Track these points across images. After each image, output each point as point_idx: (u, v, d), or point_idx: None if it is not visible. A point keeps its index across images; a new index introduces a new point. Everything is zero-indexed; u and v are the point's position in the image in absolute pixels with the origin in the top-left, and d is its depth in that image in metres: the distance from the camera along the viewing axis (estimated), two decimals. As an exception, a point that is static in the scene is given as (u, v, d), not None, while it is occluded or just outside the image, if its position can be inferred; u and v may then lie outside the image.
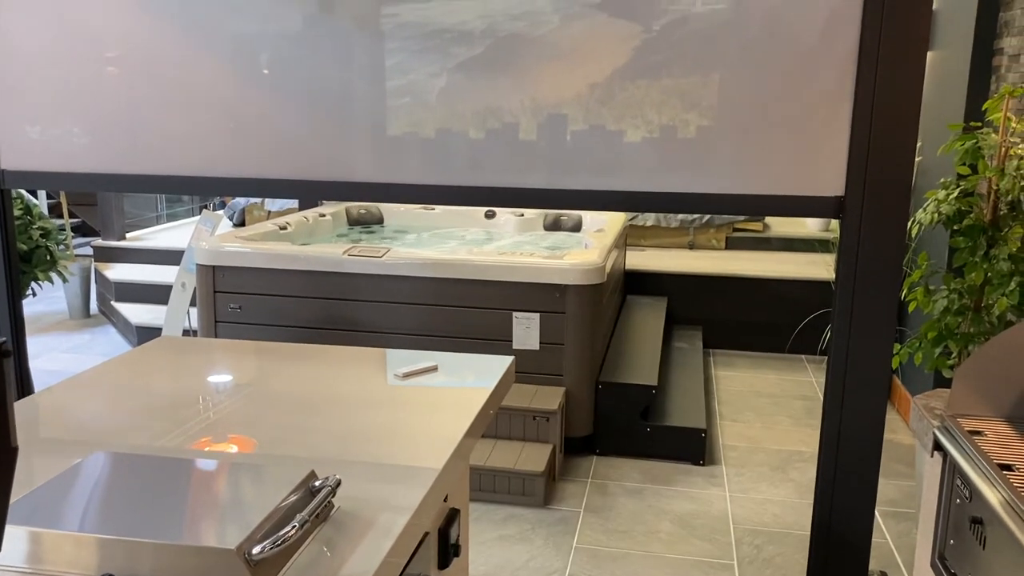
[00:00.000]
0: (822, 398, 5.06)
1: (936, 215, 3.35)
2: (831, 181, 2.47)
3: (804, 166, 2.50)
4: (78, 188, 2.97)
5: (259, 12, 2.75)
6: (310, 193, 2.85)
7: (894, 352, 2.56)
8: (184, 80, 2.78)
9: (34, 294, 4.20)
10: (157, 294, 6.16)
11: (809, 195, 2.50)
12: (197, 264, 4.47)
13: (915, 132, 2.36)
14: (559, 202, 2.81)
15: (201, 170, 2.82)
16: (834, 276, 2.54)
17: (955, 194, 3.33)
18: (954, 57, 4.33)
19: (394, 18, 2.75)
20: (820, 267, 6.28)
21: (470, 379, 2.21)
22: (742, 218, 7.06)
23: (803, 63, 2.46)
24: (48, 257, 3.85)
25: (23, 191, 4.36)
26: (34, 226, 3.85)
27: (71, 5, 2.79)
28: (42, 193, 8.17)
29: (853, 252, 2.45)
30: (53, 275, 3.98)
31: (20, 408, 1.88)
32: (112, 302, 6.32)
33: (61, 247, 4.08)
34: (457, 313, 4.24)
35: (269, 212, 7.69)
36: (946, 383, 4.14)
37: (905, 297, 3.55)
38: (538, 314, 4.14)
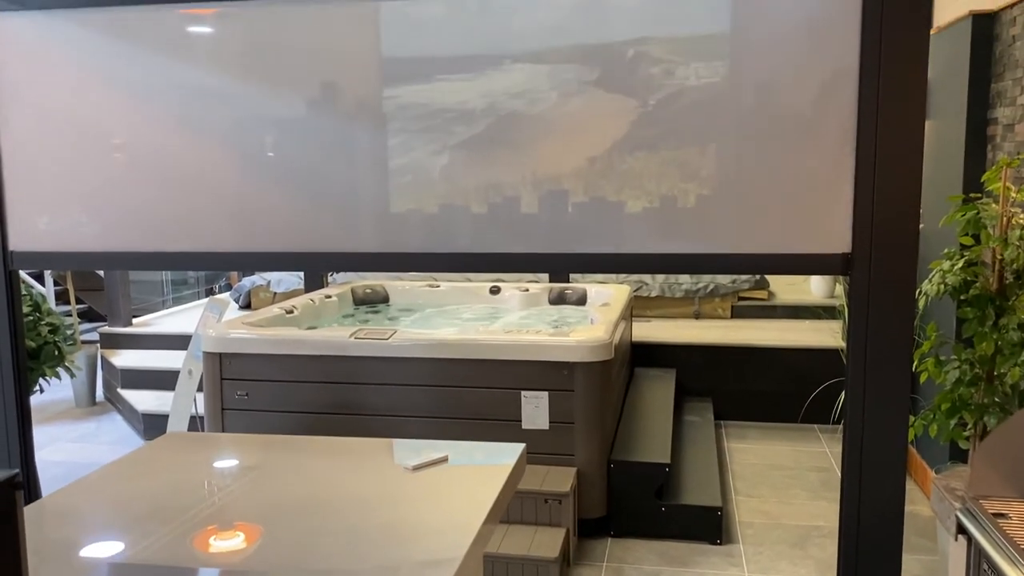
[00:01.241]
0: (837, 470, 4.98)
1: (942, 286, 3.35)
2: (837, 238, 2.48)
3: (809, 224, 2.51)
4: (85, 267, 2.99)
5: (262, 97, 2.82)
6: (314, 266, 2.88)
7: (909, 424, 2.52)
8: (188, 163, 2.84)
9: (41, 390, 4.19)
10: (163, 380, 6.14)
11: (816, 253, 2.51)
12: (204, 352, 4.47)
13: (918, 184, 2.38)
14: (563, 266, 2.83)
15: (207, 246, 2.86)
16: (842, 344, 2.53)
17: (960, 264, 3.33)
18: (948, 127, 4.39)
19: (395, 99, 2.81)
20: (827, 335, 6.25)
21: (482, 470, 2.18)
22: (747, 286, 7.07)
23: (802, 125, 2.50)
24: (56, 353, 3.85)
25: (33, 285, 4.39)
26: (42, 322, 3.87)
27: (77, 98, 2.87)
28: (49, 280, 8.22)
29: (864, 309, 2.44)
30: (60, 370, 3.98)
31: (28, 514, 1.86)
32: (118, 389, 6.30)
33: (69, 343, 4.09)
34: (465, 394, 4.22)
35: (275, 294, 7.72)
36: (962, 454, 4.08)
37: (916, 368, 3.53)
38: (547, 393, 4.11)
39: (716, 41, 2.59)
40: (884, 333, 2.44)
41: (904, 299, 2.42)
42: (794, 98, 2.51)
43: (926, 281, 3.51)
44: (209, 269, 3.07)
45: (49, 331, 3.86)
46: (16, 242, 2.92)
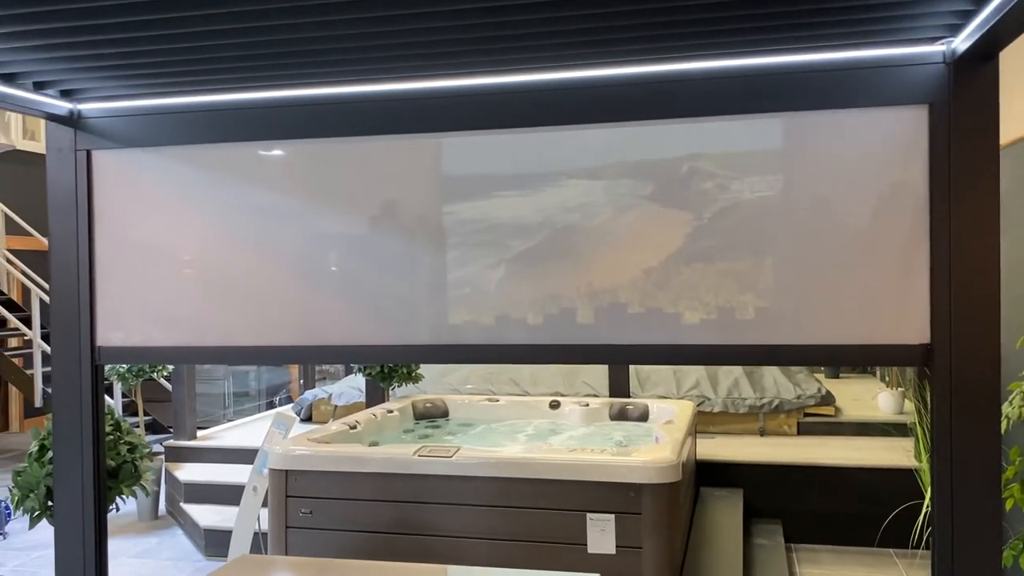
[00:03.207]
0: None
1: (1023, 408, 3.25)
2: (915, 329, 2.45)
3: (885, 315, 2.49)
4: (161, 361, 3.22)
5: (327, 215, 2.98)
6: (371, 358, 2.99)
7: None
8: (257, 274, 3.03)
9: (117, 509, 4.26)
10: (225, 495, 6.16)
11: (893, 344, 2.47)
12: (270, 468, 4.50)
13: (996, 270, 2.35)
14: (622, 357, 2.87)
15: (270, 341, 3.02)
16: (915, 463, 2.46)
17: (1042, 387, 3.24)
18: (1019, 246, 4.34)
19: (453, 215, 2.90)
20: (899, 453, 6.04)
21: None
22: (813, 402, 6.92)
23: (873, 220, 2.52)
24: (134, 471, 3.94)
25: (115, 409, 4.53)
26: (122, 441, 3.97)
27: (161, 218, 3.11)
28: (117, 392, 8.43)
29: (947, 402, 2.38)
30: (136, 489, 4.05)
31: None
32: (181, 503, 6.34)
33: (147, 461, 4.19)
34: (529, 515, 4.15)
35: (336, 407, 7.79)
36: (1058, 586, 3.84)
37: (1002, 495, 3.38)
38: (613, 515, 4.03)
39: (779, 156, 2.65)
40: (969, 427, 2.37)
41: (989, 390, 2.36)
42: (864, 200, 2.54)
43: (1006, 404, 3.41)
44: (272, 363, 3.33)
45: (128, 450, 3.95)
46: (103, 338, 3.11)
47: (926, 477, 4.76)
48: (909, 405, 6.93)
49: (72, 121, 3.07)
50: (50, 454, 3.68)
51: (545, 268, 2.83)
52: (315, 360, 3.06)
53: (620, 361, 2.82)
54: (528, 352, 2.89)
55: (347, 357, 3.07)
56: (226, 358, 3.17)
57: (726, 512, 5.38)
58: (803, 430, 6.85)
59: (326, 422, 7.29)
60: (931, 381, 2.39)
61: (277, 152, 3.05)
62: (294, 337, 2.99)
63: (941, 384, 2.39)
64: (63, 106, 3.03)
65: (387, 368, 6.67)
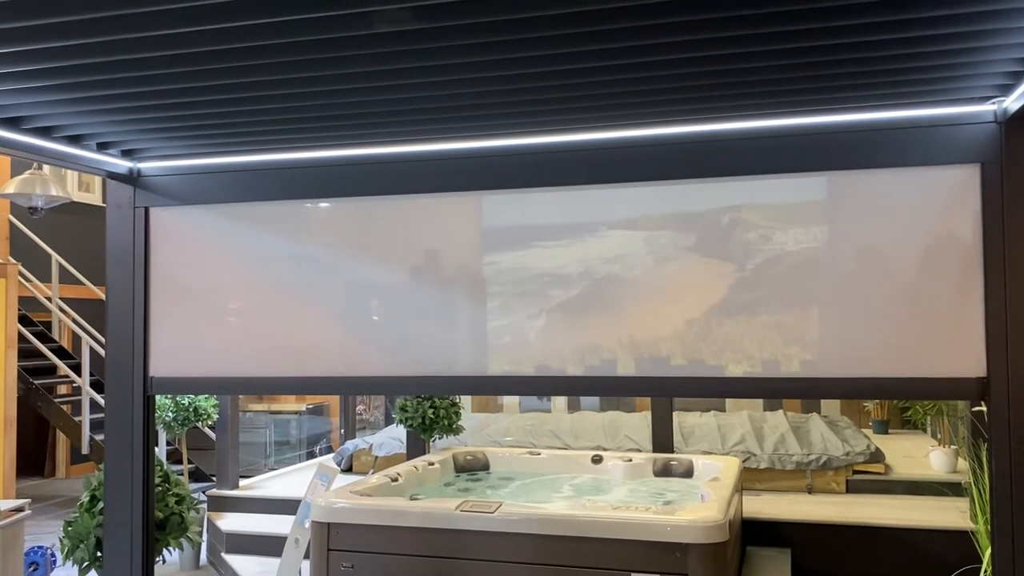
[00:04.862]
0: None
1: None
2: (970, 362, 2.40)
3: (937, 350, 2.45)
4: (210, 392, 3.36)
5: (368, 267, 3.02)
6: (418, 389, 3.24)
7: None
8: (301, 316, 3.12)
9: (164, 560, 4.28)
10: (266, 546, 6.15)
11: (947, 377, 2.42)
12: (312, 521, 4.50)
13: None
14: (664, 389, 2.84)
15: (313, 372, 3.10)
16: (971, 525, 2.39)
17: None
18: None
19: (495, 265, 2.91)
20: (953, 514, 5.85)
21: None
22: (862, 459, 6.75)
23: (923, 267, 2.50)
24: (181, 522, 3.97)
25: (163, 461, 4.59)
26: (170, 493, 4.01)
27: (213, 266, 3.22)
28: (162, 439, 8.52)
29: (1005, 439, 2.31)
30: (183, 541, 4.08)
31: None
32: (222, 553, 6.34)
33: (193, 512, 4.22)
34: (572, 573, 4.08)
35: (376, 457, 7.78)
36: None
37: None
38: (658, 576, 3.94)
39: (825, 208, 2.64)
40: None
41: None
42: (913, 251, 2.52)
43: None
44: (313, 392, 3.48)
45: (175, 501, 3.99)
46: (156, 369, 3.23)
47: (983, 540, 4.60)
48: (963, 464, 6.74)
49: (132, 179, 3.18)
50: (101, 505, 3.73)
51: (585, 318, 2.83)
52: (354, 391, 3.13)
53: (659, 393, 2.82)
54: (566, 384, 2.89)
55: (385, 388, 3.20)
56: (272, 388, 3.39)
57: (774, 572, 5.24)
58: (852, 488, 6.67)
59: (366, 472, 7.28)
60: (988, 419, 2.35)
61: (322, 207, 3.13)
62: (337, 369, 3.09)
63: (999, 420, 2.34)
64: (124, 165, 3.14)
65: (428, 419, 6.67)
